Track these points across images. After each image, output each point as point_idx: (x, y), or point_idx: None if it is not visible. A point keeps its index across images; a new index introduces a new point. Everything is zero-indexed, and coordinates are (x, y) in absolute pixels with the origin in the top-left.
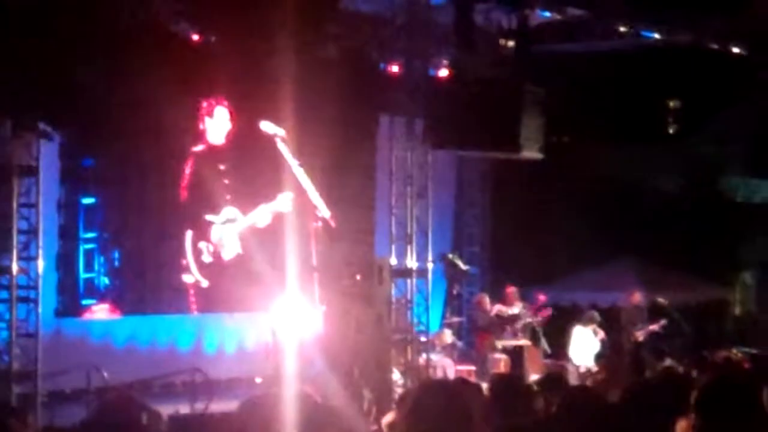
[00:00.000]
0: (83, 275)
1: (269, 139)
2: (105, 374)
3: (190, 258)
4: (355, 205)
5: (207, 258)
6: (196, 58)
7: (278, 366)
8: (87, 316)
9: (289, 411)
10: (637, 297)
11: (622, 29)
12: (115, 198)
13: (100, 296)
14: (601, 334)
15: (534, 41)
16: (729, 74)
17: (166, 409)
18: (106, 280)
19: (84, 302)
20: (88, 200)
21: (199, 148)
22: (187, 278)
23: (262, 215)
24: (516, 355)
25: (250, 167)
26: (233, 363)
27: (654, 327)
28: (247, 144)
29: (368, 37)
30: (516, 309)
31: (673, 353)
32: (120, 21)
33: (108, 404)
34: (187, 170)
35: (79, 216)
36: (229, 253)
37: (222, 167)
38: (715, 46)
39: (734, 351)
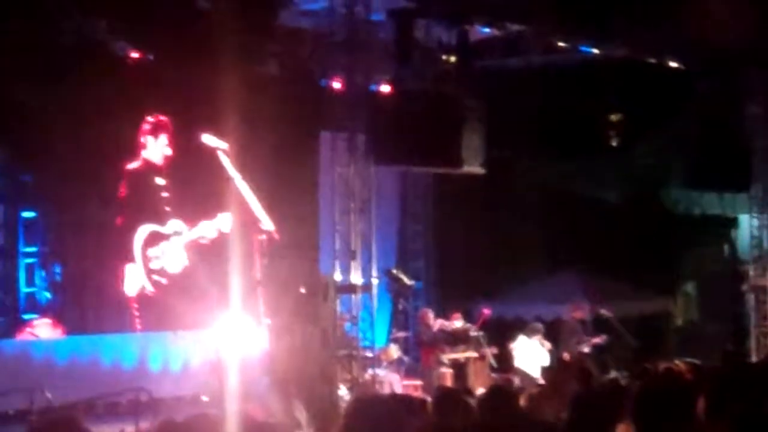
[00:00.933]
0: (24, 290)
1: (211, 153)
2: (48, 395)
3: (139, 264)
4: (299, 222)
5: (156, 265)
6: (134, 75)
7: (222, 384)
8: (28, 331)
9: (233, 430)
10: (580, 310)
11: (560, 44)
12: (54, 213)
13: (42, 311)
14: (548, 344)
15: (474, 56)
16: (668, 87)
17: (111, 429)
18: (47, 295)
19: (25, 317)
20: (27, 214)
21: (134, 165)
22: (129, 290)
23: (206, 230)
24: (461, 368)
25: (191, 182)
26: (178, 381)
27: (597, 340)
28: (187, 159)
29: (309, 53)
30: (458, 323)
31: (617, 365)
32: (60, 39)
33: (46, 427)
34: (122, 187)
35: (18, 231)
36: (175, 267)
37: (161, 183)
38: (652, 60)
39: (677, 362)
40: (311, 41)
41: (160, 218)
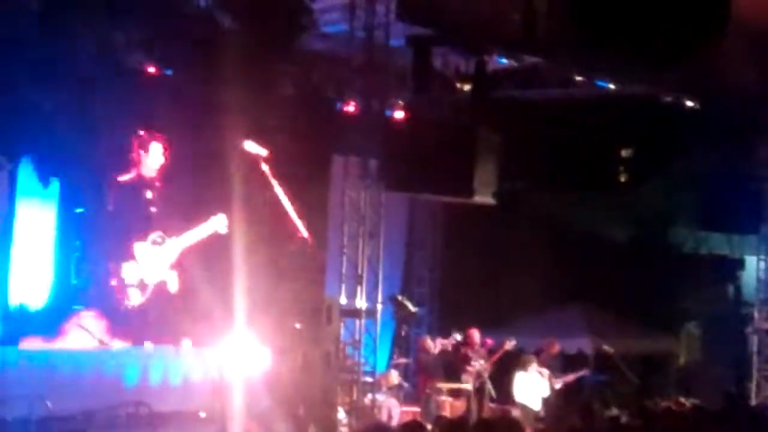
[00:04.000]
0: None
1: (253, 159)
2: (48, 404)
3: (126, 278)
4: (305, 243)
5: (132, 280)
6: (148, 88)
7: (224, 402)
8: (76, 323)
9: None
10: (556, 346)
11: (577, 78)
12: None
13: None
14: (546, 372)
15: (490, 87)
16: (681, 126)
17: None
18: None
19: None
20: (78, 210)
21: (126, 177)
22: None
23: (196, 236)
24: (459, 398)
25: (181, 195)
26: (178, 396)
27: (571, 377)
28: (181, 172)
29: (325, 77)
30: (458, 336)
31: (618, 402)
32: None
33: None
34: (112, 199)
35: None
36: (154, 279)
37: (149, 196)
38: (669, 99)
39: (681, 399)
40: (328, 64)
41: (143, 230)
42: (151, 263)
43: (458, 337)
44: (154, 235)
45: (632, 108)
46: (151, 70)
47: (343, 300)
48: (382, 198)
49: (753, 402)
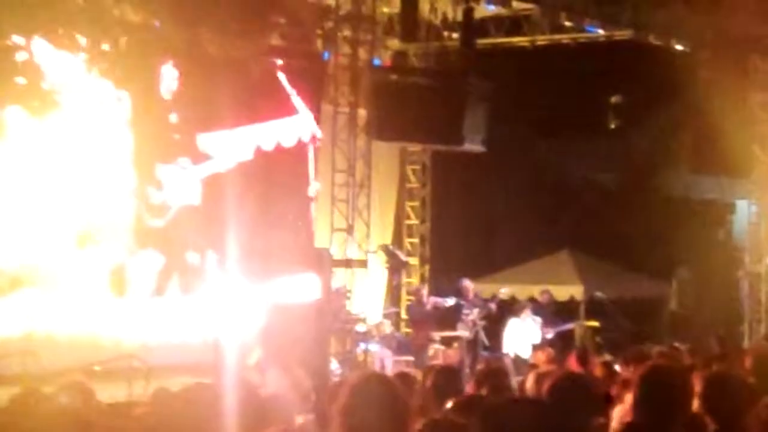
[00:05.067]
0: None
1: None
2: (42, 359)
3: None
4: (296, 195)
5: (155, 201)
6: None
7: (218, 354)
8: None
9: (231, 399)
10: (548, 294)
11: (566, 24)
12: None
13: None
14: (538, 319)
15: (479, 34)
16: (670, 70)
17: (103, 396)
18: None
19: None
20: None
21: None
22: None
23: (223, 162)
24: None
25: (204, 120)
26: (174, 350)
27: (566, 328)
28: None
29: (312, 27)
30: (451, 301)
31: (611, 348)
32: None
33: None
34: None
35: None
36: (178, 201)
37: (173, 121)
38: (658, 42)
39: (676, 344)
40: (315, 14)
41: (170, 156)
42: (175, 186)
43: (451, 301)
44: (179, 161)
45: (621, 53)
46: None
47: (334, 251)
48: (371, 148)
49: (745, 345)
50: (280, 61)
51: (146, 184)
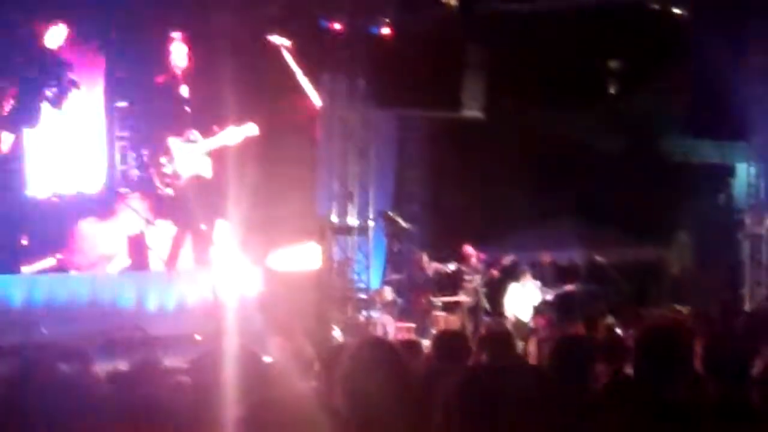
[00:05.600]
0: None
1: (275, 50)
2: (44, 331)
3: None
4: (297, 163)
5: (168, 170)
6: None
7: (219, 323)
8: (124, 203)
9: (234, 367)
10: (548, 257)
11: None
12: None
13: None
14: (537, 282)
15: (477, 0)
16: (669, 34)
17: (106, 366)
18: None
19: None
20: (121, 104)
21: (161, 77)
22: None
23: (231, 136)
24: (454, 312)
25: (212, 95)
26: (173, 320)
27: (567, 290)
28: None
29: None
30: (452, 266)
31: (612, 311)
32: None
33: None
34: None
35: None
36: (188, 172)
37: (185, 95)
38: (655, 6)
39: (678, 307)
40: None
41: (180, 128)
42: (185, 158)
43: (453, 266)
44: (189, 133)
45: (619, 18)
46: None
47: (334, 218)
48: (370, 115)
49: (747, 308)
50: (287, 42)
51: (159, 155)
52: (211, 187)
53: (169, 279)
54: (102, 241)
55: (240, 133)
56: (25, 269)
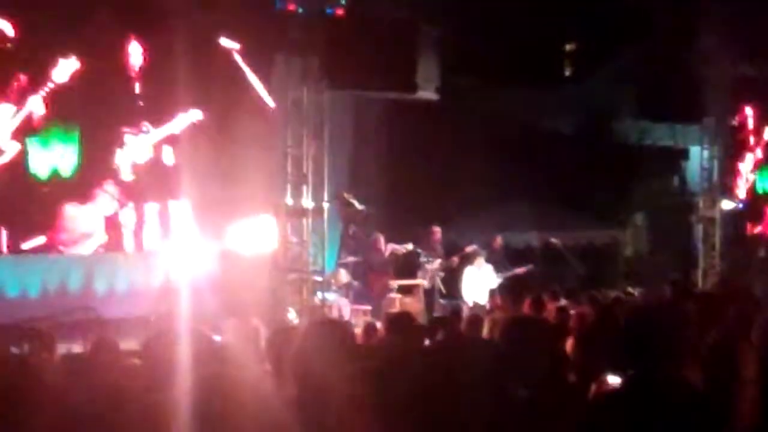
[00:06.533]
0: None
1: (227, 53)
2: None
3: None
4: (250, 145)
5: (125, 161)
6: None
7: (172, 305)
8: None
9: (186, 348)
10: (499, 240)
11: None
12: None
13: None
14: (489, 266)
15: None
16: (623, 17)
17: (59, 349)
18: None
19: None
20: None
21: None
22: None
23: (178, 124)
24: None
25: (167, 86)
26: (124, 302)
27: (519, 271)
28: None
29: None
30: (409, 247)
31: (567, 293)
32: None
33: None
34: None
35: None
36: (143, 159)
37: (137, 91)
38: None
39: (629, 289)
40: None
41: (136, 122)
42: (139, 147)
43: (410, 246)
44: (142, 125)
45: (574, 1)
46: None
47: (289, 200)
48: (324, 97)
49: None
50: (236, 45)
51: (114, 145)
52: (167, 171)
53: (118, 261)
54: (83, 221)
55: (185, 119)
56: (24, 246)
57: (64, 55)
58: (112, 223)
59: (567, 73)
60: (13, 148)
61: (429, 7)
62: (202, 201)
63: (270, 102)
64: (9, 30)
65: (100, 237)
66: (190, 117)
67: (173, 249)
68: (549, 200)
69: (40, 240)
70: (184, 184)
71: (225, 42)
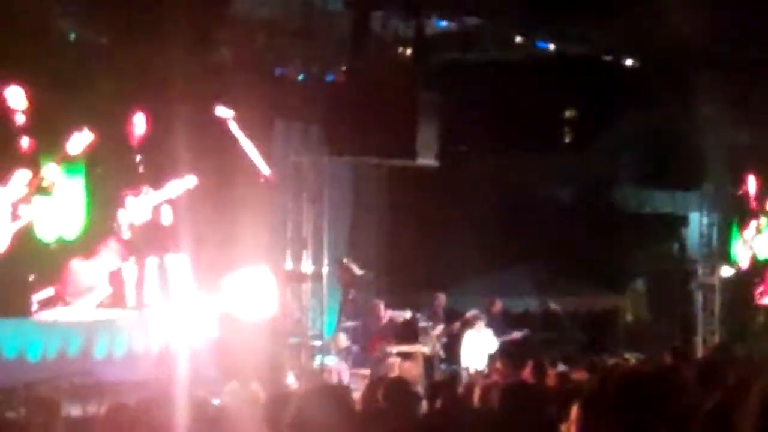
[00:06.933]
0: None
1: (222, 122)
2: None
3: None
4: (247, 209)
5: (124, 222)
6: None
7: (170, 370)
8: None
9: (183, 413)
10: (498, 304)
11: (517, 39)
12: None
13: None
14: (492, 331)
15: (431, 49)
16: (622, 85)
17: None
18: None
19: None
20: None
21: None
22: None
23: (174, 189)
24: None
25: (163, 155)
26: (123, 366)
27: (516, 335)
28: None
29: (263, 43)
30: (408, 314)
31: (566, 359)
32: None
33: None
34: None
35: None
36: (141, 219)
37: (137, 159)
38: (608, 57)
39: (627, 356)
40: (266, 30)
41: (136, 187)
42: (138, 209)
43: (408, 313)
44: (143, 189)
45: (573, 68)
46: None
47: (288, 265)
48: (325, 162)
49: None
50: (230, 113)
51: (117, 206)
52: (166, 229)
53: (117, 325)
54: (87, 275)
55: (181, 185)
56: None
57: (78, 128)
58: (115, 277)
59: (567, 140)
60: (28, 214)
61: (429, 74)
62: (200, 258)
63: (265, 168)
64: (22, 98)
65: (104, 290)
66: (185, 183)
67: (172, 306)
68: (549, 266)
69: (49, 292)
70: (182, 241)
71: (220, 110)
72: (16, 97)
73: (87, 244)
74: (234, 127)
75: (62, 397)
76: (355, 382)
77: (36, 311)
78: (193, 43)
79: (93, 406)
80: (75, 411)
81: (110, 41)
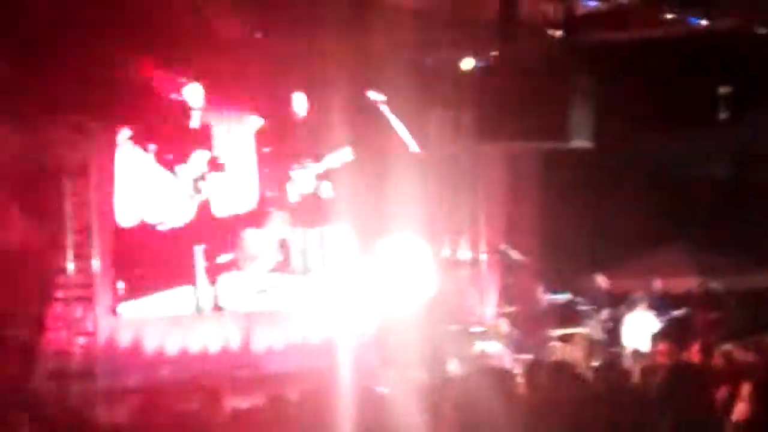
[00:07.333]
0: None
1: (374, 105)
2: (161, 372)
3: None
4: (409, 198)
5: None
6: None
7: (332, 360)
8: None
9: (348, 403)
10: (658, 286)
11: (668, 16)
12: None
13: None
14: (653, 312)
15: (581, 31)
16: None
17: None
18: None
19: None
20: None
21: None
22: None
23: (332, 160)
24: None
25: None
26: (283, 357)
27: (676, 315)
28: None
29: (414, 31)
30: (565, 297)
31: (730, 339)
32: None
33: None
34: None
35: None
36: (306, 190)
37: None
38: (761, 31)
39: None
40: (413, 19)
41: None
42: (302, 182)
43: (568, 296)
44: (305, 162)
45: (726, 43)
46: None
47: (447, 253)
48: (479, 150)
49: None
50: (383, 97)
51: (284, 179)
52: (326, 202)
53: (278, 317)
54: (258, 243)
55: (339, 158)
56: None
57: (248, 112)
58: (283, 245)
59: (722, 116)
60: (206, 189)
61: (579, 56)
62: (359, 229)
63: (416, 148)
64: (199, 94)
65: (274, 257)
66: (342, 155)
67: (335, 273)
68: (707, 244)
69: (229, 256)
70: (342, 213)
71: (373, 95)
72: (195, 95)
73: (258, 215)
74: (386, 110)
75: (224, 389)
76: (517, 367)
77: (214, 276)
78: (345, 33)
79: (255, 397)
80: (237, 403)
81: (264, 36)
